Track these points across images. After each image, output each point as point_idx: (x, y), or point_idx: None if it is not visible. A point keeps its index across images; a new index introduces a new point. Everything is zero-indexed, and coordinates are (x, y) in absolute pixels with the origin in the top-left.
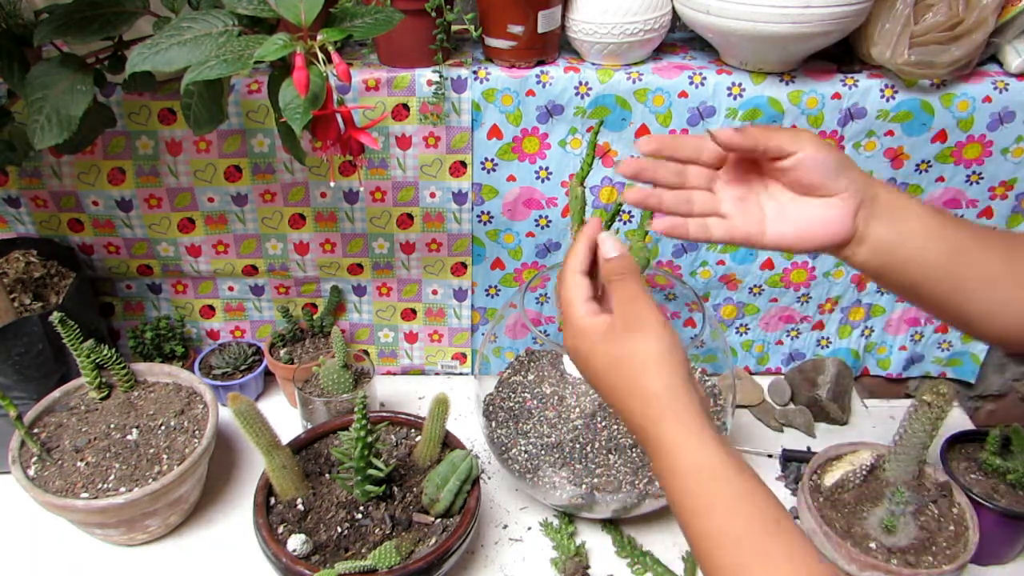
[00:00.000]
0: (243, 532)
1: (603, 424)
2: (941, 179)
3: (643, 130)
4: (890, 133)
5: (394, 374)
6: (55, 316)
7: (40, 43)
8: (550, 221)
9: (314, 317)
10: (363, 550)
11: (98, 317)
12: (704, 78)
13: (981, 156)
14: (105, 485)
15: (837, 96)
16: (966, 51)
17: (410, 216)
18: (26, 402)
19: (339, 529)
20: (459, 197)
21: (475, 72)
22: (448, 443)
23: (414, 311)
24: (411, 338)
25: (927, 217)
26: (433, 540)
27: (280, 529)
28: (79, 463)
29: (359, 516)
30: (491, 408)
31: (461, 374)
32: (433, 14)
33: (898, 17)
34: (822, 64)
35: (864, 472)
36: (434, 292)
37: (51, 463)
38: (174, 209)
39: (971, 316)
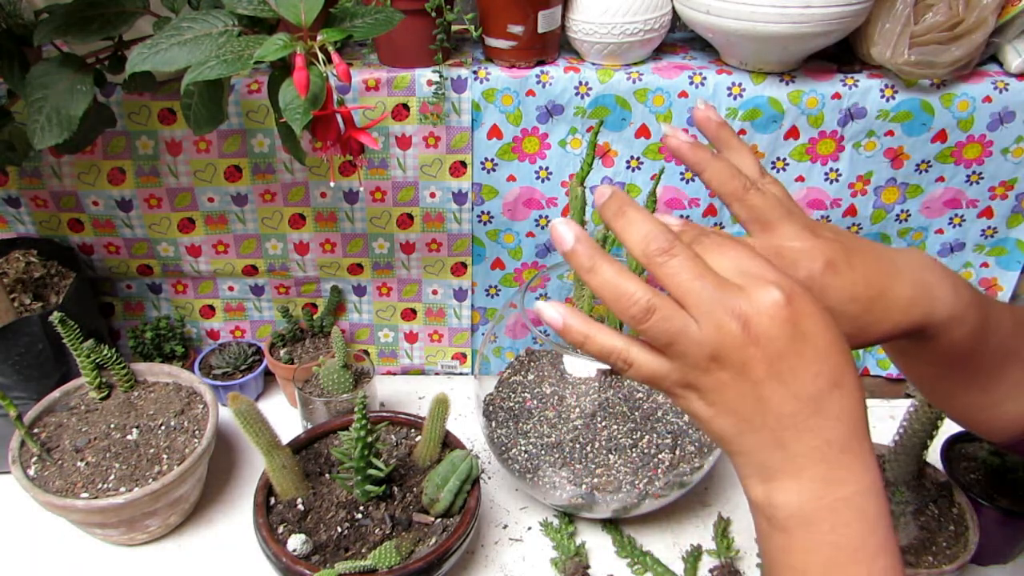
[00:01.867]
0: (243, 532)
1: (603, 424)
2: (941, 179)
3: (643, 130)
4: (890, 133)
5: (394, 374)
6: (55, 316)
7: (40, 43)
8: (550, 221)
9: (314, 317)
10: (363, 550)
11: (98, 317)
12: (704, 78)
13: (981, 156)
14: (105, 485)
15: (837, 96)
16: (966, 51)
17: (410, 216)
18: (26, 402)
19: (339, 529)
20: (459, 197)
21: (475, 72)
22: (448, 443)
23: (414, 311)
24: (411, 338)
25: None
26: (433, 540)
27: (280, 529)
28: (79, 463)
29: (359, 516)
30: (491, 408)
31: (461, 374)
32: (433, 14)
33: (898, 17)
34: (822, 64)
35: None
36: (434, 292)
37: (51, 463)
38: (174, 209)
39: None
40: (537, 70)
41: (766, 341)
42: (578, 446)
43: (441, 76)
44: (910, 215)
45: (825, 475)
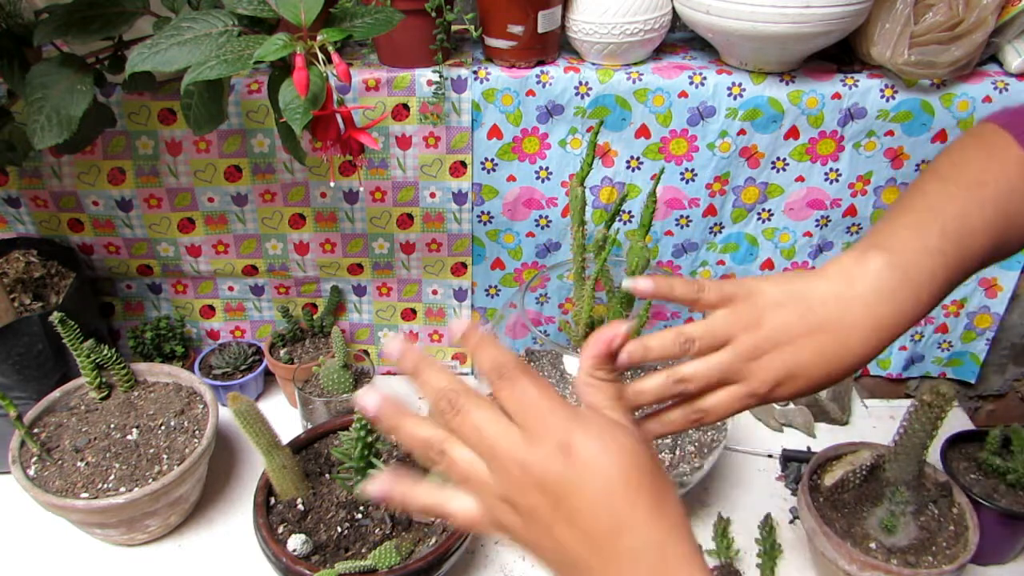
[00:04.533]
0: (243, 532)
1: None
2: None
3: (643, 130)
4: (890, 133)
5: (394, 374)
6: (55, 316)
7: (40, 43)
8: (550, 221)
9: (314, 317)
10: (363, 550)
11: (98, 317)
12: (704, 78)
13: None
14: (105, 485)
15: (837, 96)
16: (966, 51)
17: (410, 216)
18: (26, 402)
19: (339, 529)
20: (459, 197)
21: (475, 72)
22: None
23: (414, 311)
24: (411, 338)
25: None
26: (433, 540)
27: (280, 529)
28: (79, 463)
29: (359, 516)
30: None
31: (461, 374)
32: (433, 14)
33: (898, 17)
34: (822, 64)
35: (864, 472)
36: (434, 292)
37: (51, 463)
38: (174, 209)
39: None
40: (537, 70)
41: (547, 485)
42: None
43: (441, 76)
44: None
45: None
